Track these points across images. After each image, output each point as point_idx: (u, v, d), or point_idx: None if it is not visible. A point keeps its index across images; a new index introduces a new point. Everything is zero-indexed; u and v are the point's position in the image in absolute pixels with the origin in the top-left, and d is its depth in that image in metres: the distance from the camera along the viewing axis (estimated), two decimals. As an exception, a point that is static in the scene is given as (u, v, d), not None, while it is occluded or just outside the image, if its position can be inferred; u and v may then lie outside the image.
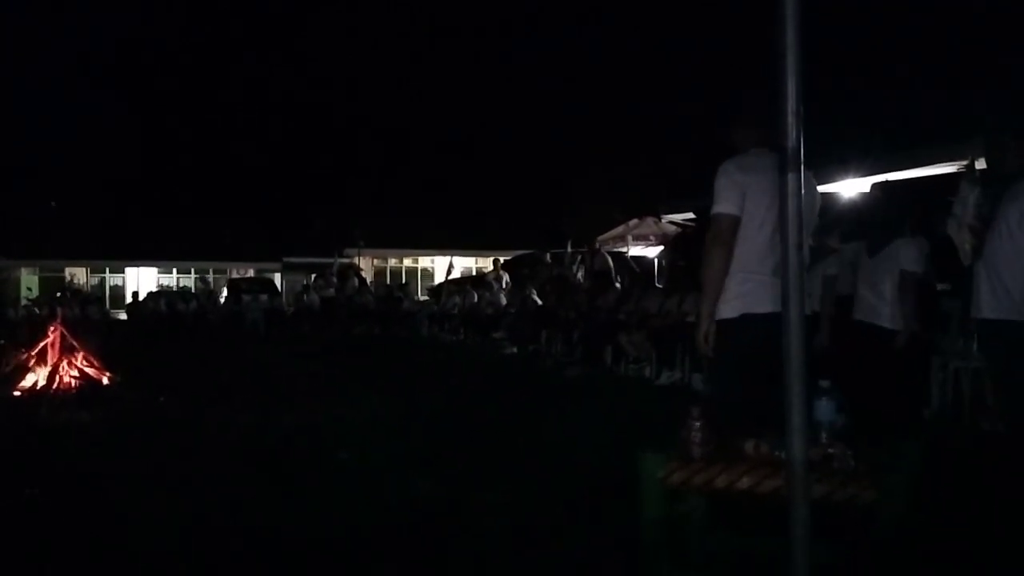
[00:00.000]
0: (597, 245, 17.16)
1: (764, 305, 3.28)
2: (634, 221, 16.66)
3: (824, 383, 2.85)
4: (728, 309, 3.40)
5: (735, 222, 3.38)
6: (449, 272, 24.03)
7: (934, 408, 6.51)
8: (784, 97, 2.01)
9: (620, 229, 18.65)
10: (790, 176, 2.01)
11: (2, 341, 11.76)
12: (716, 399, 3.47)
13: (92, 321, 21.44)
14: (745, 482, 2.78)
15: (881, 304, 5.36)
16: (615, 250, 18.69)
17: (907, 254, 5.32)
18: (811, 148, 2.08)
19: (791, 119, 2.00)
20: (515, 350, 14.16)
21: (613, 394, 8.46)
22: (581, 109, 37.23)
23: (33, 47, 46.92)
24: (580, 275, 17.14)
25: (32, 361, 8.84)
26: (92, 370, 8.99)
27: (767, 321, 3.17)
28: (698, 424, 2.98)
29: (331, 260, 26.26)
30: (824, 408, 2.86)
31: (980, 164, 5.01)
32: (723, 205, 3.40)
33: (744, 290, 3.36)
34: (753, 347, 3.26)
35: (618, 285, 13.75)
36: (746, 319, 3.34)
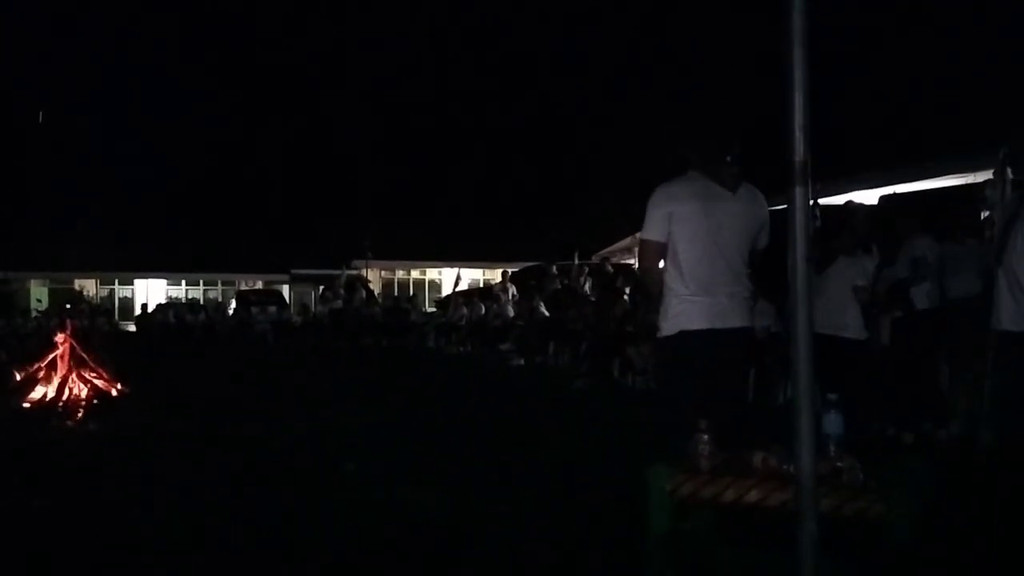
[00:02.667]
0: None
1: (698, 322, 3.59)
2: (641, 232, 16.60)
3: (832, 396, 2.84)
4: (667, 327, 3.67)
5: (660, 248, 3.67)
6: (457, 284, 24.01)
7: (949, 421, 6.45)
8: (791, 111, 2.01)
9: (627, 241, 18.65)
10: (797, 190, 2.01)
11: (7, 355, 11.81)
12: (663, 407, 3.80)
13: (101, 333, 21.50)
14: (753, 495, 2.78)
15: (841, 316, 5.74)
16: (624, 262, 18.69)
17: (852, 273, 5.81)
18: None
19: (798, 133, 2.00)
20: (522, 362, 14.15)
21: (621, 406, 8.44)
22: (590, 119, 37.32)
23: (42, 57, 47.04)
24: (588, 287, 17.12)
25: (41, 373, 8.88)
26: (101, 381, 9.02)
27: (701, 337, 3.57)
28: (706, 437, 2.97)
29: (339, 272, 26.27)
30: (833, 421, 2.85)
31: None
32: (649, 232, 3.70)
33: (680, 310, 3.63)
34: (691, 360, 3.60)
35: (626, 297, 13.73)
36: (683, 335, 3.61)
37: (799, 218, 2.05)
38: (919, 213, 6.85)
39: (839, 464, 2.75)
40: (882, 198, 9.92)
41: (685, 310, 3.60)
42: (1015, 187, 4.34)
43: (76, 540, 4.16)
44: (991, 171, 5.85)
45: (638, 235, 3.85)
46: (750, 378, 8.37)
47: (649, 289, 3.88)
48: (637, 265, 3.95)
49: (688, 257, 3.60)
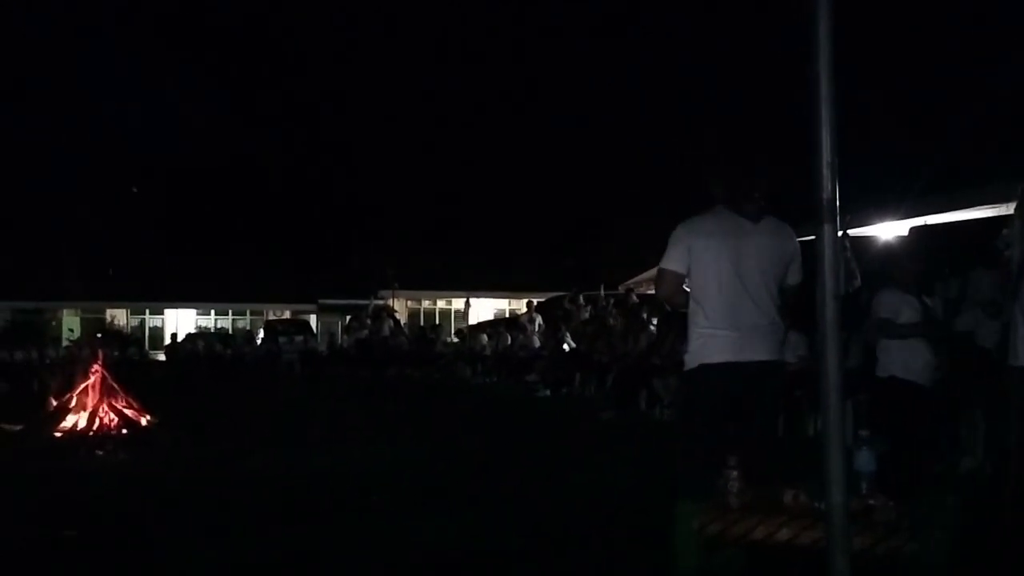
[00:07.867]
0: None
1: (718, 356, 3.64)
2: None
3: (863, 433, 2.81)
4: (688, 360, 3.76)
5: (678, 277, 3.75)
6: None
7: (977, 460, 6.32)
8: (819, 149, 2.01)
9: (653, 271, 18.56)
10: (825, 228, 2.01)
11: (39, 384, 11.93)
12: (681, 439, 3.90)
13: (131, 362, 21.73)
14: (784, 534, 2.75)
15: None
16: (648, 292, 18.64)
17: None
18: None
19: (826, 171, 2.01)
20: (548, 393, 14.11)
21: (647, 438, 8.37)
22: (616, 149, 37.44)
23: (67, 91, 47.60)
24: (613, 318, 17.08)
25: (73, 402, 8.96)
26: (131, 412, 9.09)
27: (721, 370, 3.62)
28: (735, 473, 2.95)
29: (365, 302, 26.41)
30: (865, 458, 2.82)
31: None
32: (667, 262, 3.78)
33: (700, 344, 3.70)
34: (712, 393, 3.66)
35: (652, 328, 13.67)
36: (703, 368, 3.67)
37: (827, 255, 2.04)
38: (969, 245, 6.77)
39: (871, 502, 2.72)
40: (912, 229, 9.82)
41: (705, 343, 3.65)
42: None
43: (104, 571, 4.18)
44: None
45: (660, 264, 3.95)
46: (779, 411, 8.32)
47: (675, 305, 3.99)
48: (657, 290, 4.09)
49: (708, 291, 3.64)
